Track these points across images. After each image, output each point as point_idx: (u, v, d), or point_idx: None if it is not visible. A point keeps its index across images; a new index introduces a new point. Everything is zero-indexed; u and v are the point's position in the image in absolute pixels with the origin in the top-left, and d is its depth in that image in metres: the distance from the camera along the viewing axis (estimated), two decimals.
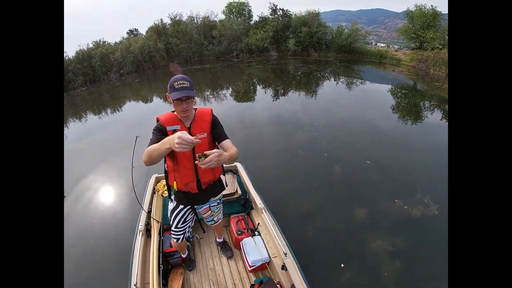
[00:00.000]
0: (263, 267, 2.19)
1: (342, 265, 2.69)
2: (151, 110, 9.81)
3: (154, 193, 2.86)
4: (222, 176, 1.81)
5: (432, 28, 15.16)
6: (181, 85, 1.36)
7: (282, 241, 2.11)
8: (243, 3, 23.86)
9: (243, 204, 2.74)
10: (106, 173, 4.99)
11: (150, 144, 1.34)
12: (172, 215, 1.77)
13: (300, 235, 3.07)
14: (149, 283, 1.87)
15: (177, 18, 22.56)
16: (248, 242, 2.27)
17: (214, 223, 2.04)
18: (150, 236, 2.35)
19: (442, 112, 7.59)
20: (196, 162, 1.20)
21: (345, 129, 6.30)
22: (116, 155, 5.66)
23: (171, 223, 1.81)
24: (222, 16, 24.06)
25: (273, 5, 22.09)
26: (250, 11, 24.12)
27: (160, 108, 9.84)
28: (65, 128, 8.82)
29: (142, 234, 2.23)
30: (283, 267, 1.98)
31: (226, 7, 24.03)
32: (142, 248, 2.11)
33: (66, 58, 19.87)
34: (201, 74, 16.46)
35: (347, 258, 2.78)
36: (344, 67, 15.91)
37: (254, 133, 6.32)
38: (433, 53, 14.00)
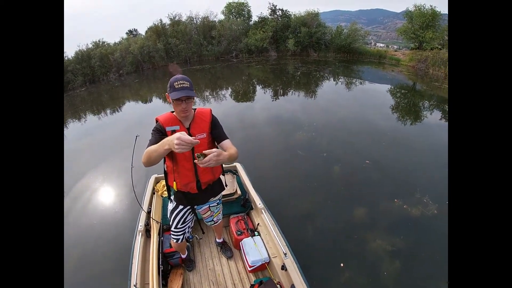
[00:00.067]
0: (263, 267, 2.19)
1: (342, 265, 2.69)
2: (150, 111, 9.80)
3: (154, 193, 2.86)
4: (221, 176, 1.81)
5: (431, 28, 15.19)
6: (181, 85, 1.36)
7: (281, 241, 2.11)
8: (243, 3, 23.88)
9: (242, 204, 2.74)
10: (105, 173, 4.98)
11: (149, 145, 1.34)
12: (171, 215, 1.77)
13: (299, 235, 3.08)
14: (149, 283, 1.87)
15: (177, 18, 22.55)
16: (247, 242, 2.27)
17: (214, 223, 2.04)
18: (150, 237, 2.35)
19: (441, 112, 7.61)
20: (195, 161, 1.21)
21: (345, 129, 6.31)
22: (116, 155, 5.66)
23: (170, 223, 1.81)
24: (222, 17, 24.10)
25: (273, 5, 22.11)
26: (249, 11, 24.14)
27: (159, 108, 9.83)
28: (64, 129, 8.80)
29: (141, 234, 2.23)
30: (283, 267, 1.98)
31: (225, 7, 24.04)
32: (141, 248, 2.11)
33: (66, 58, 19.81)
34: (200, 74, 16.45)
35: (347, 257, 2.79)
36: (344, 67, 15.92)
37: (254, 133, 6.32)
38: (432, 53, 14.04)
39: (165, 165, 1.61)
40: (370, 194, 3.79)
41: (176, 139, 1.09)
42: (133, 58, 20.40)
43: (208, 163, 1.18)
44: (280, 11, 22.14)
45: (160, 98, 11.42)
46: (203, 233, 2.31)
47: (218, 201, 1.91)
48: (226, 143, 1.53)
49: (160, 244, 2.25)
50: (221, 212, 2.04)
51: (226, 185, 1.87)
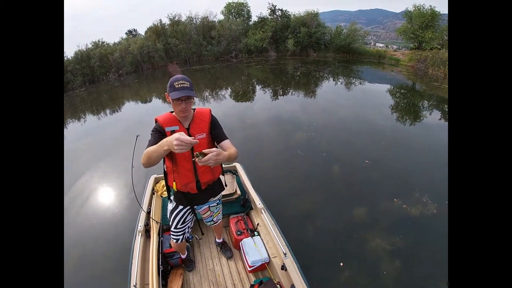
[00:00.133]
0: (263, 267, 2.19)
1: (342, 264, 2.69)
2: (150, 111, 9.79)
3: (153, 193, 2.86)
4: (221, 177, 1.81)
5: (430, 28, 15.22)
6: (181, 85, 1.36)
7: (281, 241, 2.11)
8: (242, 3, 23.88)
9: (242, 205, 2.74)
10: (105, 173, 4.98)
11: (149, 145, 1.33)
12: (171, 215, 1.77)
13: (299, 235, 3.08)
14: (148, 283, 1.87)
15: (176, 18, 22.54)
16: (247, 243, 2.27)
17: (214, 223, 2.04)
18: (150, 237, 2.35)
19: (441, 112, 7.62)
20: (194, 159, 1.21)
21: (344, 129, 6.31)
22: (116, 156, 5.66)
23: (170, 223, 1.81)
24: (221, 17, 24.11)
25: (272, 5, 22.12)
26: (249, 11, 24.15)
27: (159, 108, 9.82)
28: (64, 129, 8.79)
29: (141, 234, 2.23)
30: (283, 267, 1.98)
31: (225, 7, 24.05)
32: (141, 248, 2.11)
33: (65, 58, 19.80)
34: (200, 74, 16.44)
35: (347, 257, 2.79)
36: (343, 67, 15.93)
37: (253, 133, 6.32)
38: (432, 53, 14.06)
39: (164, 165, 1.61)
40: (369, 194, 3.79)
41: (175, 140, 1.09)
42: (133, 58, 20.38)
43: (207, 162, 1.18)
44: (279, 11, 22.16)
45: (159, 98, 11.41)
46: (202, 234, 2.31)
47: (218, 201, 1.91)
48: (226, 143, 1.53)
49: (160, 244, 2.25)
50: (220, 212, 2.04)
51: (225, 185, 1.87)
